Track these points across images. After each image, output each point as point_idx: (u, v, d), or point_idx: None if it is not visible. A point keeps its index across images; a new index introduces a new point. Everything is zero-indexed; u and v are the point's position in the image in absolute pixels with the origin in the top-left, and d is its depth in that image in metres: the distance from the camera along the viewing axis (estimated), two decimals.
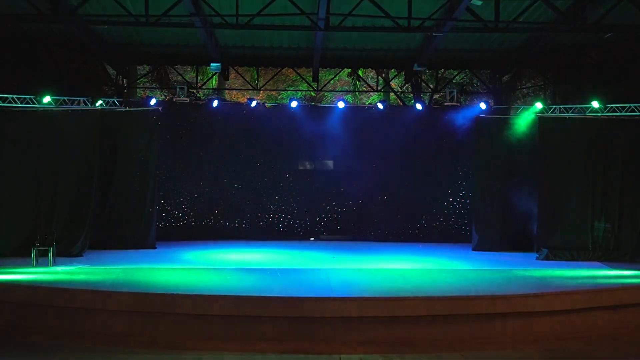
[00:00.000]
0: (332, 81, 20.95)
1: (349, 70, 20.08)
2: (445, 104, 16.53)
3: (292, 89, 22.67)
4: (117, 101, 15.60)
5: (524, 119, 15.66)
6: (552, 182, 14.88)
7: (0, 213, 14.19)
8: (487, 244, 15.88)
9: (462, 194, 17.76)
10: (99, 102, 15.01)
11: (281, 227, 17.90)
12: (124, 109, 15.62)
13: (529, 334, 10.46)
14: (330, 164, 18.48)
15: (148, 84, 20.40)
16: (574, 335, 10.55)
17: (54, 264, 13.07)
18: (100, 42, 15.30)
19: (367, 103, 22.47)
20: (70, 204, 14.51)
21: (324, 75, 20.77)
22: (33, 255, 13.01)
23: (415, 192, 17.77)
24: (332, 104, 18.11)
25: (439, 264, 14.01)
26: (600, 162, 14.81)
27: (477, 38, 15.26)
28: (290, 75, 22.00)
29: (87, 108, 14.82)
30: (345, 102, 17.55)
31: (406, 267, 13.61)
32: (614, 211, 14.69)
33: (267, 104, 18.13)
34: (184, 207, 17.64)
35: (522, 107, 15.96)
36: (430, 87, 20.46)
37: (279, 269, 13.05)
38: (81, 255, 14.17)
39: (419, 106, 17.16)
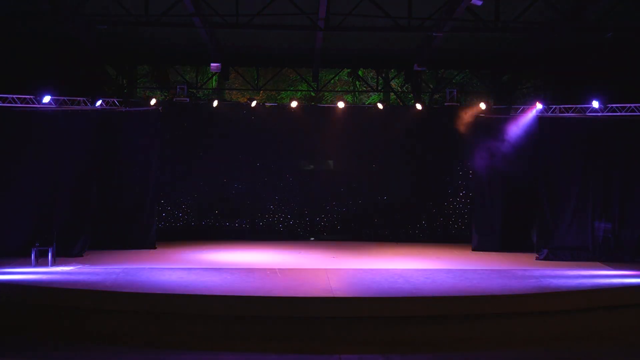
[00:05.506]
0: (332, 81, 20.94)
1: (349, 70, 20.06)
2: (446, 104, 16.52)
3: (292, 89, 22.64)
4: (117, 101, 15.59)
5: (524, 118, 15.66)
6: (552, 182, 14.89)
7: (0, 213, 14.19)
8: (487, 244, 15.90)
9: (462, 194, 17.76)
10: (99, 102, 15.01)
11: (281, 227, 17.90)
12: (124, 109, 15.61)
13: (529, 334, 10.47)
14: (330, 164, 18.49)
15: (148, 84, 20.37)
16: (574, 335, 10.56)
17: (54, 264, 13.08)
18: (100, 42, 15.30)
19: (367, 103, 22.44)
20: (70, 204, 14.51)
21: (324, 75, 20.76)
22: (33, 255, 13.02)
23: (415, 192, 17.78)
24: (332, 104, 18.08)
25: (439, 264, 14.01)
26: (600, 162, 14.80)
27: (477, 38, 15.26)
28: (290, 75, 21.97)
29: (87, 108, 14.82)
30: (345, 102, 17.55)
31: (406, 267, 13.61)
32: (614, 211, 14.68)
33: (267, 104, 18.13)
34: (184, 207, 17.64)
35: (522, 107, 15.95)
36: (430, 87, 20.46)
37: (279, 269, 13.06)
38: (81, 255, 14.18)
39: (419, 106, 17.16)
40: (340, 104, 17.15)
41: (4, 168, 14.34)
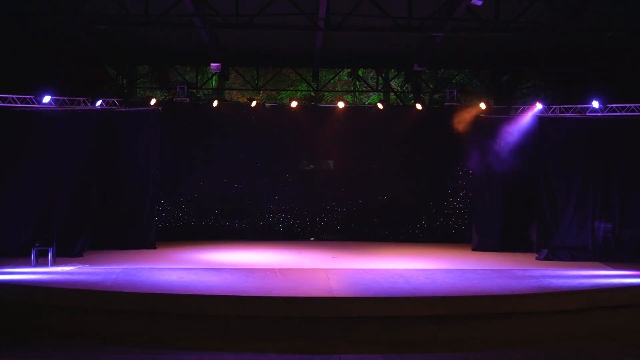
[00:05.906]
0: (332, 81, 20.94)
1: (349, 70, 20.07)
2: (446, 104, 16.52)
3: (292, 89, 22.63)
4: (117, 101, 15.59)
5: (524, 119, 15.66)
6: (552, 182, 14.90)
7: (0, 213, 14.19)
8: (487, 244, 15.91)
9: (462, 194, 17.76)
10: (99, 102, 15.01)
11: (281, 227, 17.90)
12: (124, 109, 15.61)
13: (529, 334, 10.48)
14: (330, 164, 18.49)
15: (148, 84, 20.36)
16: (574, 335, 10.56)
17: (54, 264, 13.08)
18: (100, 42, 15.31)
19: (367, 103, 22.43)
20: (70, 204, 14.52)
21: (324, 75, 20.76)
22: (33, 255, 13.01)
23: (415, 192, 17.78)
24: (332, 104, 18.07)
25: (439, 264, 14.01)
26: (600, 162, 14.81)
27: (477, 38, 15.26)
28: (290, 75, 21.95)
29: (87, 108, 14.82)
30: (345, 102, 17.55)
31: (406, 267, 13.61)
32: (614, 211, 14.68)
33: (267, 104, 18.13)
34: (184, 207, 17.65)
35: (522, 107, 15.96)
36: (430, 87, 20.46)
37: (279, 269, 13.06)
38: (81, 255, 14.18)
39: (419, 106, 17.16)
40: (340, 104, 17.14)
41: (4, 168, 14.34)
